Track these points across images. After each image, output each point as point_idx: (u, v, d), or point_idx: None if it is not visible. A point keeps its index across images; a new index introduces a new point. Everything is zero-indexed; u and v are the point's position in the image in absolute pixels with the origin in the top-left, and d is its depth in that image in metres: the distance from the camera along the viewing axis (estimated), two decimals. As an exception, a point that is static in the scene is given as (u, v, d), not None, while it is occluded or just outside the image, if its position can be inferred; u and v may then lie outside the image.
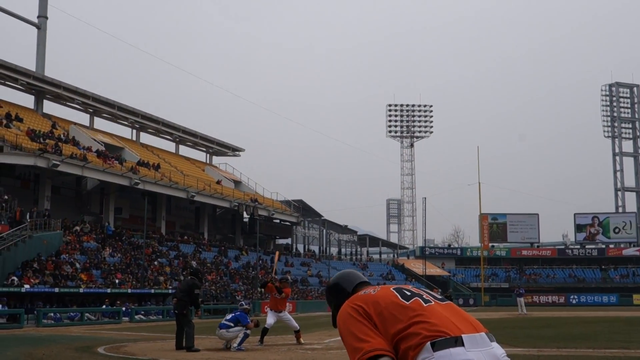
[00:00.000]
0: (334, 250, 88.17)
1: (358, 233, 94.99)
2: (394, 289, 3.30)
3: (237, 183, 70.31)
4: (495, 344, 3.03)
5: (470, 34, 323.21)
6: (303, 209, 75.94)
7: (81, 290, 35.10)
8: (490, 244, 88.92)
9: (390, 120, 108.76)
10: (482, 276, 78.84)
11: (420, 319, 3.04)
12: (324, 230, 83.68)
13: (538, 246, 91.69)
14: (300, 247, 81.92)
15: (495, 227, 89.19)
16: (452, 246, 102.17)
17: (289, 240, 78.88)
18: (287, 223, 74.28)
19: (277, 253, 26.55)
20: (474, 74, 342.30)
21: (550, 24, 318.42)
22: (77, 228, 45.39)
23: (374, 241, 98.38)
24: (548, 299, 75.41)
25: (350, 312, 3.21)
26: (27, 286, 32.33)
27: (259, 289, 37.81)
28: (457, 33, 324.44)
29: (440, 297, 3.30)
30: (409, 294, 3.23)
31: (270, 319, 18.29)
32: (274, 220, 70.94)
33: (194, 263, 49.92)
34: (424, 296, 3.24)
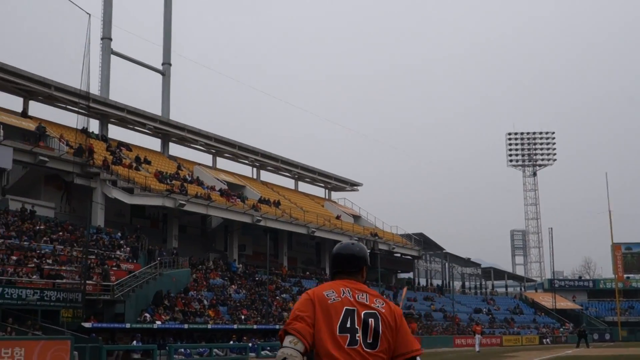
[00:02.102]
0: (457, 284, 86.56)
1: (482, 266, 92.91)
2: (345, 312, 3.82)
3: (356, 218, 70.55)
4: None
5: (593, 55, 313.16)
6: (424, 242, 75.18)
7: (209, 326, 36.04)
8: (625, 275, 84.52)
9: (510, 149, 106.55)
10: (618, 309, 75.08)
11: (332, 352, 3.66)
12: (446, 264, 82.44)
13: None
14: (423, 281, 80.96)
15: (629, 257, 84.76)
16: (583, 278, 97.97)
17: (410, 274, 78.16)
18: (408, 257, 73.71)
19: (404, 289, 26.41)
20: (598, 96, 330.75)
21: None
22: (204, 266, 46.79)
23: (499, 274, 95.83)
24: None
25: (305, 297, 3.97)
26: (158, 322, 33.55)
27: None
28: (579, 56, 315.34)
29: (370, 342, 3.73)
30: (348, 325, 3.75)
31: None
32: (395, 254, 70.58)
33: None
34: (356, 336, 3.73)
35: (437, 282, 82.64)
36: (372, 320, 3.79)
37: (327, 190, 75.13)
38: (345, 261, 4.19)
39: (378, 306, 3.87)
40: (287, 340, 3.70)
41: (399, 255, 71.99)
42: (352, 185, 75.89)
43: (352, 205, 73.99)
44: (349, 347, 3.69)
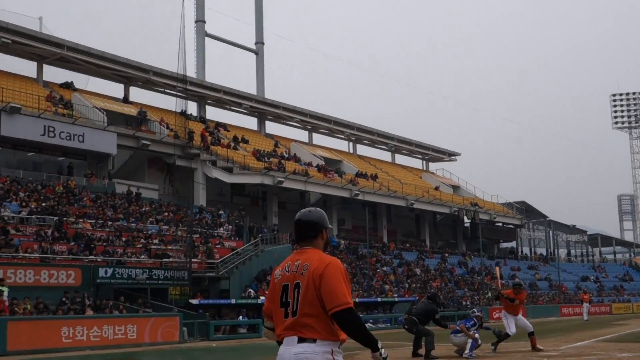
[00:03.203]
0: (562, 252, 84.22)
1: (587, 233, 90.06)
2: (282, 289, 4.27)
3: (455, 188, 69.62)
4: (300, 345, 4.03)
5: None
6: (526, 211, 73.48)
7: None
8: None
9: (615, 111, 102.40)
10: None
11: (277, 327, 4.30)
12: (550, 232, 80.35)
13: None
14: (526, 250, 79.23)
15: None
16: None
17: (513, 244, 76.63)
18: (510, 226, 72.26)
19: (497, 268, 26.16)
20: None
21: None
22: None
23: (607, 240, 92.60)
24: None
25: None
26: (262, 298, 34.13)
27: (494, 301, 37.00)
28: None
29: (294, 310, 4.16)
30: (283, 300, 4.24)
31: (512, 327, 17.57)
32: (496, 224, 69.37)
33: (430, 288, 50.10)
34: (287, 309, 4.20)
35: (541, 250, 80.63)
36: (297, 290, 4.17)
37: (424, 162, 74.42)
38: (303, 227, 4.48)
39: (303, 273, 4.16)
40: (265, 319, 4.59)
41: (500, 224, 70.70)
42: (450, 155, 74.86)
43: (450, 175, 73.11)
44: (285, 319, 4.20)
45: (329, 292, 4.01)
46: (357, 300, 38.86)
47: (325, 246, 4.49)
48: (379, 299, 40.63)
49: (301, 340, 4.07)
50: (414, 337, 17.20)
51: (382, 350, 4.20)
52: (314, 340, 4.06)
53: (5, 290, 23.11)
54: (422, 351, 16.70)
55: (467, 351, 16.35)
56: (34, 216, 30.38)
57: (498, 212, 67.65)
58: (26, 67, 42.98)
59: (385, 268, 48.51)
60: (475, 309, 18.30)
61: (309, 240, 4.42)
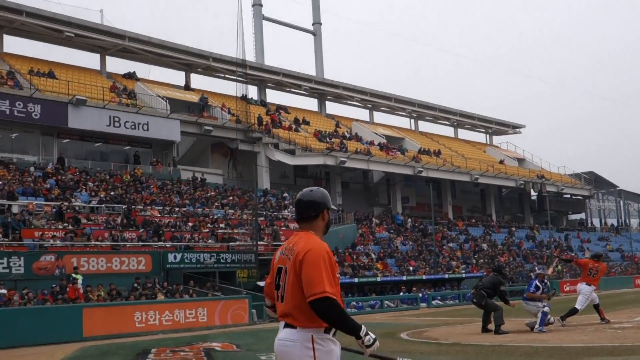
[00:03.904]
0: (634, 222, 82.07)
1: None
2: (277, 271, 4.30)
3: (520, 161, 68.50)
4: (284, 330, 4.07)
5: None
6: (595, 181, 71.82)
7: (378, 279, 36.46)
8: None
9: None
10: None
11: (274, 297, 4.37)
12: (621, 201, 78.36)
13: None
14: (596, 222, 77.51)
15: None
16: None
17: (582, 215, 75.08)
18: (579, 197, 70.81)
19: (555, 260, 26.06)
20: None
21: None
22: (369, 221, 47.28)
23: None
24: None
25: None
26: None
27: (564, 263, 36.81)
28: None
29: (282, 295, 4.20)
30: (277, 283, 4.27)
31: (584, 302, 17.17)
32: (564, 196, 68.04)
33: (497, 261, 49.59)
34: (278, 292, 4.24)
35: (611, 221, 78.74)
36: (285, 274, 4.17)
37: (488, 135, 73.36)
38: (304, 207, 4.36)
39: (290, 257, 4.12)
40: (265, 299, 4.69)
41: (568, 196, 69.33)
42: (514, 128, 73.57)
43: (515, 148, 71.89)
44: (279, 302, 4.26)
45: (306, 280, 3.91)
46: (424, 277, 38.77)
47: (326, 227, 4.39)
48: (446, 276, 40.38)
49: (286, 325, 4.07)
50: (483, 313, 17.05)
51: (367, 337, 4.00)
52: (295, 327, 4.01)
53: (80, 278, 23.83)
54: (491, 326, 16.54)
55: (537, 326, 16.12)
56: (103, 205, 31.16)
57: (565, 183, 66.31)
58: (90, 60, 43.98)
59: (451, 244, 48.15)
60: (536, 268, 17.95)
61: (309, 221, 4.33)
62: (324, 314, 3.86)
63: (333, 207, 4.45)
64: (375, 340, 4.04)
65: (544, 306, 16.34)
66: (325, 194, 4.43)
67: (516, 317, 17.50)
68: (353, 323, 3.98)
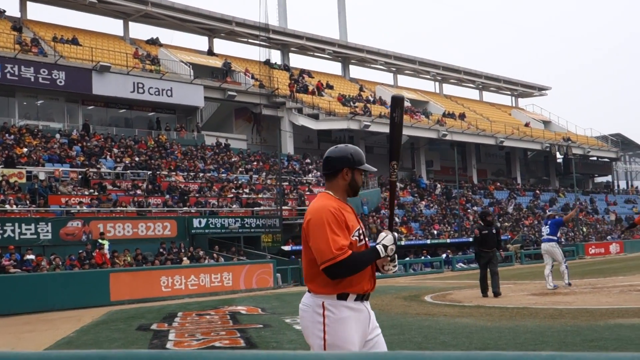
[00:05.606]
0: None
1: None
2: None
3: (546, 123, 67.80)
4: (305, 295, 3.95)
5: None
6: (622, 143, 70.92)
7: (403, 242, 36.49)
8: None
9: None
10: None
11: None
12: (648, 164, 77.45)
13: None
14: (623, 184, 76.77)
15: None
16: None
17: (608, 178, 74.34)
18: (605, 159, 70.06)
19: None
20: None
21: None
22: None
23: None
24: None
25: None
26: (353, 242, 34.36)
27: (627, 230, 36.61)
28: None
29: None
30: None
31: None
32: (590, 158, 67.35)
33: (509, 209, 49.39)
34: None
35: (638, 183, 77.93)
36: None
37: (513, 98, 72.61)
38: (323, 163, 4.14)
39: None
40: None
41: (594, 158, 68.62)
42: (540, 90, 72.71)
43: (541, 110, 71.10)
44: None
45: (315, 249, 3.78)
46: (448, 241, 38.74)
47: (351, 189, 4.08)
48: (471, 239, 40.25)
49: (309, 290, 3.95)
50: (481, 277, 16.86)
51: (383, 250, 3.86)
52: (310, 292, 3.91)
53: (106, 243, 24.11)
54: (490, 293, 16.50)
55: (566, 280, 16.34)
56: (128, 171, 31.40)
57: (592, 145, 65.60)
58: (113, 26, 44.15)
59: (476, 208, 47.99)
60: (550, 209, 18.17)
61: (329, 179, 4.08)
62: (340, 276, 3.74)
63: (364, 167, 4.10)
64: (390, 244, 3.88)
65: (565, 263, 16.64)
66: (346, 151, 4.08)
67: (533, 280, 17.45)
68: (370, 256, 3.87)
